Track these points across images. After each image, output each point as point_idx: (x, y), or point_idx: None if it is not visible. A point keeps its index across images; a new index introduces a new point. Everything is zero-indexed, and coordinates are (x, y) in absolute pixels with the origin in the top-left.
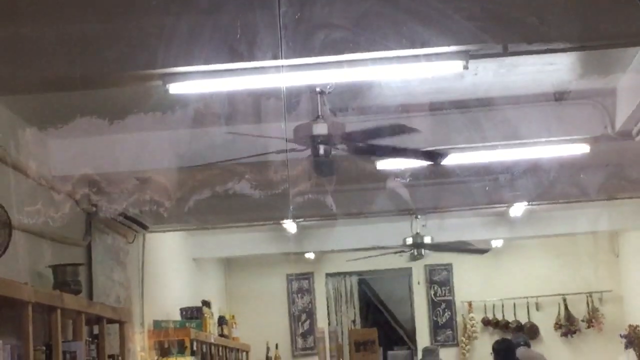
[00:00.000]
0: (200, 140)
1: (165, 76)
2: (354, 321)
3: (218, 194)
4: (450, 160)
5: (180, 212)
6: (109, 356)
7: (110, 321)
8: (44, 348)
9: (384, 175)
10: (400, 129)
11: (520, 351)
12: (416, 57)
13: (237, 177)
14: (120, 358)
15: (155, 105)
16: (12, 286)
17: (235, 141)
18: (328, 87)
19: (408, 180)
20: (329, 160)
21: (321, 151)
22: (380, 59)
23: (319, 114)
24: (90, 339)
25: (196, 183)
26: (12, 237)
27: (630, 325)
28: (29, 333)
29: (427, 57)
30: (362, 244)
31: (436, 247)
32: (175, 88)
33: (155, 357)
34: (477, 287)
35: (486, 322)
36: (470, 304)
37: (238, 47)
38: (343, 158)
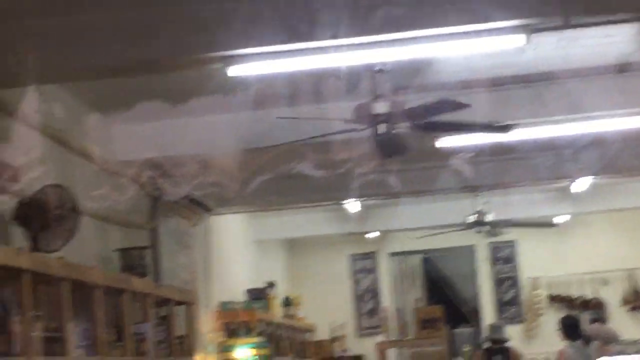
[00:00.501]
0: (262, 122)
1: (226, 59)
2: (418, 299)
3: (280, 175)
4: (513, 136)
5: (243, 194)
6: (177, 337)
7: (178, 303)
8: (114, 330)
9: (446, 153)
10: (460, 105)
11: (594, 327)
12: (477, 33)
13: (299, 158)
14: (188, 339)
15: (217, 88)
16: (82, 270)
17: (297, 122)
18: (386, 65)
19: (470, 157)
20: (393, 139)
21: (382, 130)
22: (441, 35)
23: (379, 92)
24: (159, 321)
25: (259, 165)
26: (80, 222)
27: None
28: (100, 316)
29: (488, 32)
30: (425, 222)
31: (501, 224)
32: (235, 70)
33: (223, 338)
34: (542, 263)
35: (552, 299)
36: (535, 281)
37: (297, 28)
38: (405, 136)
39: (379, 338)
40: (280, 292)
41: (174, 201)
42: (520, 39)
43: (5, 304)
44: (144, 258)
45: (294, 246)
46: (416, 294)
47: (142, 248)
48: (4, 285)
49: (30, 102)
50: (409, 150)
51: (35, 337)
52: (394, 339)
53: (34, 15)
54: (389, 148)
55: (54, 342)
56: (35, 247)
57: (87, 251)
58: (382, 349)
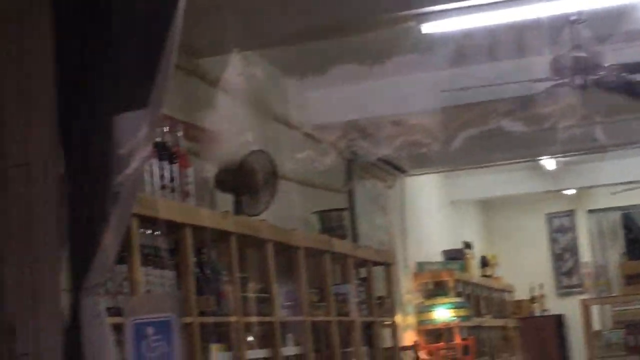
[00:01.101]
0: (458, 80)
1: (419, 16)
2: (621, 255)
3: (477, 134)
4: None
5: (439, 154)
6: (377, 298)
7: (376, 264)
8: (316, 290)
9: None
10: None
11: None
12: None
13: (497, 115)
14: (387, 299)
15: (412, 47)
16: (284, 232)
17: (495, 77)
18: (582, 14)
19: None
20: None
21: (581, 82)
22: None
23: (578, 43)
24: (358, 282)
25: (455, 124)
26: (279, 185)
27: None
28: (303, 277)
29: None
30: (624, 177)
31: None
32: (429, 28)
33: (421, 299)
34: None
35: None
36: None
37: None
38: (605, 88)
39: (580, 296)
40: (477, 253)
41: (369, 163)
42: None
43: (214, 265)
44: (342, 220)
45: (489, 206)
46: (617, 250)
47: (340, 210)
48: (213, 247)
49: (230, 70)
50: (608, 102)
51: (245, 298)
52: (596, 296)
53: None
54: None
55: (261, 302)
56: (240, 211)
57: (287, 214)
58: (586, 306)
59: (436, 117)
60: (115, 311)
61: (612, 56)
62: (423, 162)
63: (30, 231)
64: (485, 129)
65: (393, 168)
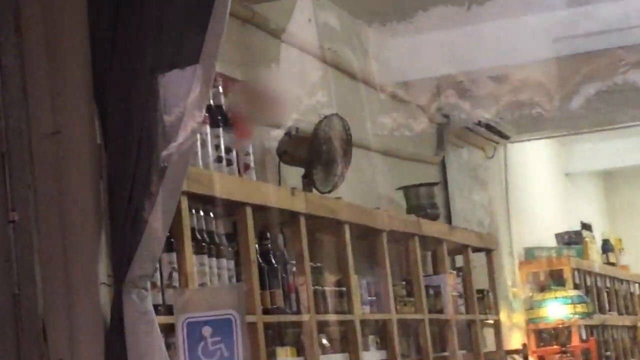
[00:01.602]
0: (576, 23)
1: None
2: None
3: (599, 90)
4: None
5: (551, 115)
6: (477, 291)
7: (475, 250)
8: (403, 283)
9: None
10: None
11: None
12: None
13: (625, 66)
14: (489, 293)
15: None
16: (364, 213)
17: (622, 19)
18: None
19: None
20: None
21: None
22: None
23: None
24: (454, 272)
25: (572, 77)
26: (355, 156)
27: None
28: (386, 266)
29: None
30: None
31: None
32: None
33: (530, 293)
34: None
35: None
36: None
37: None
38: None
39: None
40: (598, 236)
41: (465, 128)
42: None
43: (280, 253)
44: (433, 197)
45: (612, 179)
46: None
47: (431, 185)
48: (279, 232)
49: (296, 17)
50: None
51: (319, 292)
52: None
53: None
54: None
55: (337, 297)
56: (310, 187)
57: (367, 190)
58: None
59: (549, 69)
60: (164, 308)
61: None
62: (532, 125)
63: (62, 214)
64: (610, 83)
65: (495, 133)
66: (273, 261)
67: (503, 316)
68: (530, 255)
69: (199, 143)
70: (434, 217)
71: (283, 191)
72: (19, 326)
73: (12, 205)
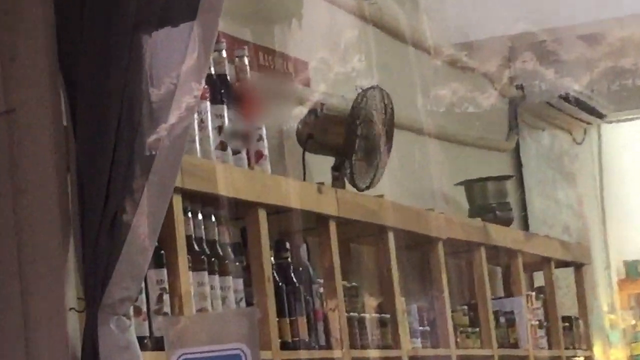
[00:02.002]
0: None
1: None
2: None
3: None
4: None
5: None
6: (564, 318)
7: (560, 264)
8: (466, 308)
9: None
10: None
11: None
12: None
13: None
14: (579, 321)
15: None
16: (413, 215)
17: None
18: None
19: None
20: None
21: None
22: None
23: None
24: (533, 293)
25: None
26: (401, 141)
27: None
28: (444, 285)
29: None
30: None
31: None
32: None
33: (633, 321)
34: None
35: None
36: None
37: None
38: None
39: None
40: None
41: (547, 104)
42: None
43: (304, 268)
44: (504, 194)
45: None
46: None
47: (502, 179)
48: (302, 241)
49: None
50: None
51: (355, 320)
52: None
53: None
54: None
55: (379, 326)
56: (342, 183)
57: (417, 186)
58: None
59: None
60: (152, 341)
61: None
62: (635, 100)
63: (17, 218)
64: None
65: (586, 111)
66: (294, 280)
67: (597, 351)
68: (633, 270)
69: (196, 125)
70: (506, 222)
71: (307, 188)
72: None
73: None
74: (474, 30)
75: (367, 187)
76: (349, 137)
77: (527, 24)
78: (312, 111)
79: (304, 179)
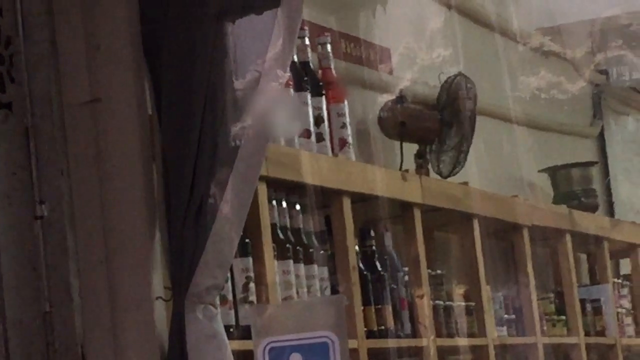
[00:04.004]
0: None
1: None
2: None
3: None
4: None
5: None
6: None
7: None
8: (552, 296)
9: None
10: None
11: None
12: None
13: None
14: None
15: None
16: (498, 203)
17: None
18: None
19: None
20: None
21: None
22: None
23: None
24: (620, 281)
25: None
26: (485, 128)
27: None
28: (530, 273)
29: None
30: None
31: None
32: None
33: None
34: None
35: None
36: None
37: None
38: None
39: None
40: None
41: (633, 89)
42: None
43: (390, 257)
44: (589, 181)
45: None
46: None
47: (587, 165)
48: (387, 228)
49: None
50: None
51: (441, 308)
52: None
53: None
54: None
55: (465, 315)
56: (426, 170)
57: (501, 173)
58: None
59: None
60: (239, 330)
61: None
62: None
63: (104, 207)
64: None
65: None
66: (379, 268)
67: None
68: None
69: (281, 113)
70: (592, 208)
71: (392, 175)
72: (50, 353)
73: (39, 196)
74: (560, 15)
75: (451, 174)
76: (433, 125)
77: (614, 8)
78: (398, 98)
79: (400, 168)
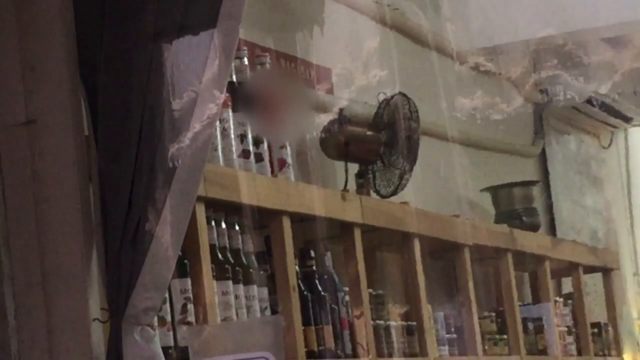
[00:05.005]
0: None
1: None
2: None
3: None
4: None
5: None
6: (592, 324)
7: (588, 270)
8: (493, 315)
9: None
10: None
11: None
12: None
13: None
14: (608, 327)
15: None
16: (439, 222)
17: None
18: None
19: None
20: None
21: None
22: None
23: None
24: (561, 300)
25: None
26: (426, 148)
27: None
28: (471, 292)
29: None
30: None
31: None
32: None
33: None
34: None
35: None
36: None
37: None
38: None
39: None
40: None
41: (573, 109)
42: None
43: (330, 277)
44: (531, 200)
45: None
46: None
47: (528, 184)
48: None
49: None
50: None
51: (381, 328)
52: None
53: None
54: None
55: (405, 334)
56: (366, 190)
57: (442, 193)
58: None
59: None
60: (177, 352)
61: None
62: None
63: (40, 228)
64: None
65: (613, 115)
66: (319, 288)
67: (627, 358)
68: None
69: (218, 133)
70: (533, 227)
71: (332, 195)
72: None
73: None
74: (497, 35)
75: (391, 194)
76: (376, 145)
77: (551, 28)
78: (340, 119)
79: (345, 188)
